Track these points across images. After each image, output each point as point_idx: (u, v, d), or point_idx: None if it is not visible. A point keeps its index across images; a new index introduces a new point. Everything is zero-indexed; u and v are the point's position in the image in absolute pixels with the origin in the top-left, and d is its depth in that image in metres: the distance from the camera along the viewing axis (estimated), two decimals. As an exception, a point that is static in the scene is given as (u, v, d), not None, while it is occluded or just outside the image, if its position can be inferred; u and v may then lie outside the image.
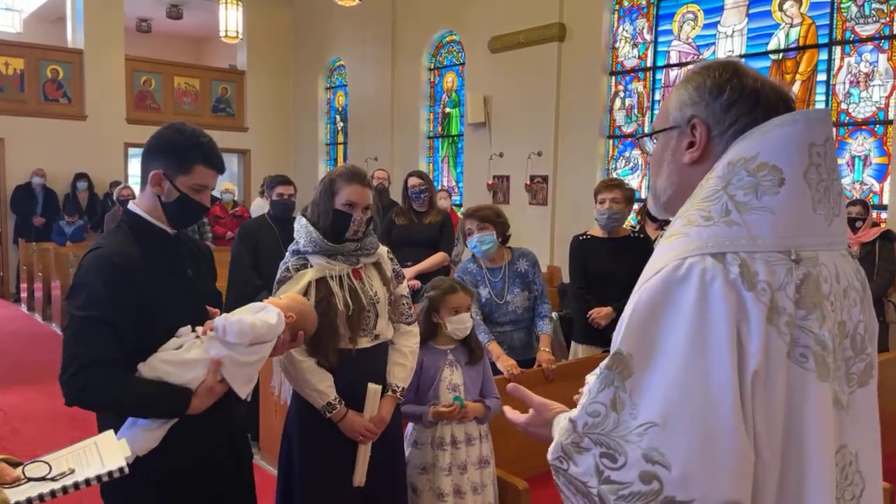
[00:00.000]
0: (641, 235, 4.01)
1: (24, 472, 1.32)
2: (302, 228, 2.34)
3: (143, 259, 1.85)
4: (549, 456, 1.08)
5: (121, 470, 1.41)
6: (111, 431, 1.58)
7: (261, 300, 2.02)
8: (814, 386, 1.00)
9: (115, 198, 8.52)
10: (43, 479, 1.32)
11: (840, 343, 1.06)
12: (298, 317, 1.97)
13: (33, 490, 1.28)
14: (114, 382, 1.72)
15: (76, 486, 1.34)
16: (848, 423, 1.06)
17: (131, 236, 1.89)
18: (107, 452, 1.47)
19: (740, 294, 0.97)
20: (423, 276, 4.42)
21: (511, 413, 1.35)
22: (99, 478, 1.38)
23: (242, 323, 1.78)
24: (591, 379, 1.07)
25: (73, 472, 1.36)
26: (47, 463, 1.37)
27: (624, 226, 4.00)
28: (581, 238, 3.94)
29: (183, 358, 1.78)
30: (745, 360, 0.96)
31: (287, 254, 2.39)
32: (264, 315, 1.85)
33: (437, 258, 4.63)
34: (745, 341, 0.96)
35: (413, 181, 4.70)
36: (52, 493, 1.30)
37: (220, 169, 1.95)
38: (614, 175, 7.78)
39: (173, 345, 1.81)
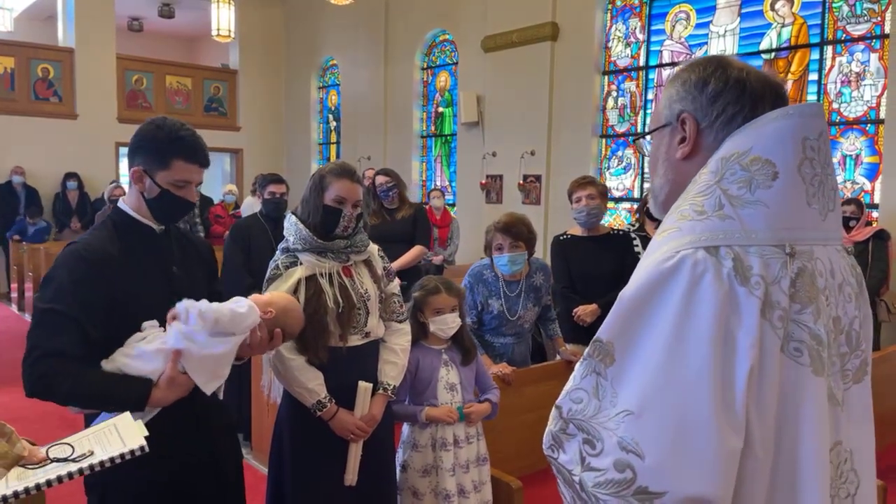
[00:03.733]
0: (622, 232, 4.02)
1: (48, 454, 1.37)
2: (292, 226, 2.33)
3: (121, 255, 1.83)
4: (543, 445, 1.08)
5: (141, 448, 1.43)
6: (128, 413, 1.59)
7: None
8: (809, 381, 0.99)
9: (106, 197, 8.47)
10: (66, 460, 1.37)
11: (835, 339, 1.05)
12: (279, 313, 1.88)
13: (57, 471, 1.33)
14: (68, 375, 1.70)
15: (102, 464, 1.38)
16: (843, 419, 1.05)
17: (113, 232, 1.87)
18: (126, 433, 1.50)
19: (732, 289, 0.96)
20: (403, 272, 4.37)
21: None
22: (122, 456, 1.41)
23: (205, 307, 1.72)
24: (577, 366, 1.07)
25: (92, 453, 1.40)
26: (70, 444, 1.41)
27: (616, 224, 3.99)
28: (561, 238, 3.92)
29: (142, 349, 1.75)
30: (735, 356, 0.95)
31: (277, 252, 2.37)
32: (233, 305, 1.78)
33: (415, 252, 4.60)
34: (736, 336, 0.95)
35: (380, 179, 4.65)
36: (71, 475, 1.34)
37: (202, 163, 1.90)
38: (607, 174, 7.80)
39: (137, 338, 1.78)
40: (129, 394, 1.70)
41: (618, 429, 0.96)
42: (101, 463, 1.37)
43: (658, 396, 0.94)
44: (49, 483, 1.29)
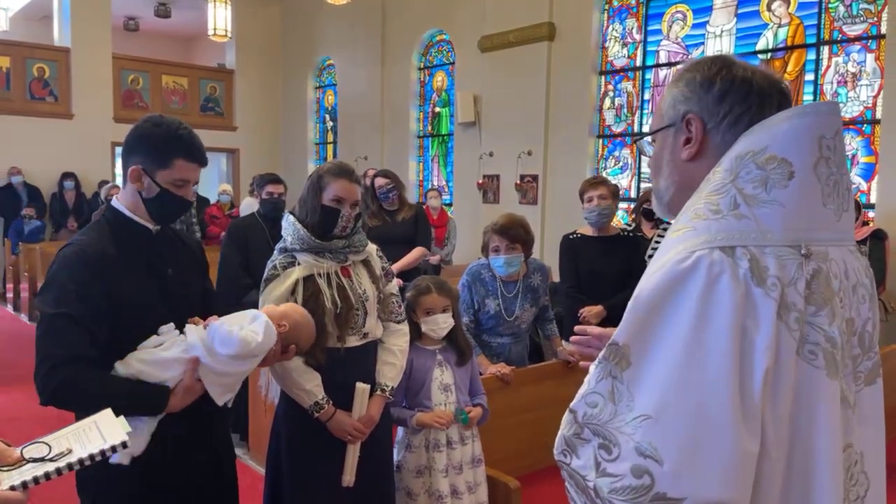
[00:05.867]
0: (631, 234, 4.02)
1: (23, 454, 1.30)
2: (290, 226, 2.31)
3: (119, 255, 1.81)
4: (555, 450, 1.06)
5: (123, 444, 1.39)
6: (109, 410, 1.53)
7: (252, 299, 1.98)
8: (823, 384, 0.98)
9: (102, 197, 8.45)
10: (42, 459, 1.30)
11: (848, 341, 1.04)
12: (292, 328, 1.91)
13: (32, 472, 1.27)
14: (89, 381, 1.69)
15: (81, 462, 1.33)
16: (855, 422, 1.04)
17: (108, 232, 1.85)
18: (107, 429, 1.45)
19: (749, 290, 0.95)
20: (405, 274, 4.37)
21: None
22: (102, 452, 1.36)
23: (232, 334, 1.74)
24: (592, 369, 1.05)
25: (70, 451, 1.34)
26: (47, 444, 1.35)
27: (613, 223, 4.00)
28: (571, 237, 3.93)
29: (160, 357, 1.75)
30: (752, 358, 0.94)
31: (275, 252, 2.36)
32: (254, 329, 1.79)
33: (416, 253, 4.61)
34: (752, 338, 0.94)
35: (380, 181, 4.64)
36: (48, 475, 1.28)
37: (202, 161, 1.90)
38: (604, 174, 7.80)
39: (153, 342, 1.78)
40: (148, 401, 1.71)
41: (635, 434, 0.94)
42: (80, 461, 1.32)
43: (676, 400, 0.93)
44: (25, 485, 1.23)
